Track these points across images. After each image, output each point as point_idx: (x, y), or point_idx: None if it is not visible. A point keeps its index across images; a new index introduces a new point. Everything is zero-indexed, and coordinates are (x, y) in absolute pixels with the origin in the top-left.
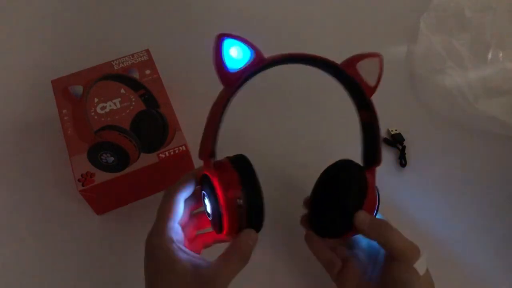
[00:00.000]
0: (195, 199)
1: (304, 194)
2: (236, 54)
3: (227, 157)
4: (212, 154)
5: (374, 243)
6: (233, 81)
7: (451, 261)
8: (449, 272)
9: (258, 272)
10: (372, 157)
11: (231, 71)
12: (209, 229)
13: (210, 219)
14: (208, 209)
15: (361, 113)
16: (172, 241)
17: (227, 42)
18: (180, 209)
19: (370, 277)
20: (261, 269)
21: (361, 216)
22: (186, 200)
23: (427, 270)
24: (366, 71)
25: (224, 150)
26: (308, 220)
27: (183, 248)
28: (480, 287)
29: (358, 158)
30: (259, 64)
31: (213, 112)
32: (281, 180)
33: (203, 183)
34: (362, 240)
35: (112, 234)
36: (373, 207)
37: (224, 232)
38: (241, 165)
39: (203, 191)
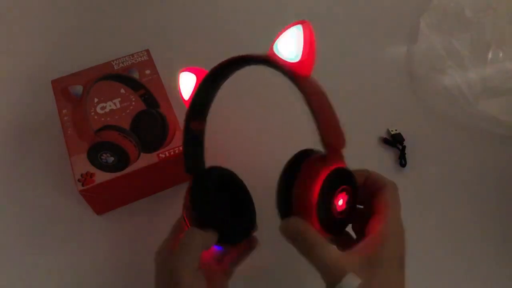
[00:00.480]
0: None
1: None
2: (187, 83)
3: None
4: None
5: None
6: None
7: (451, 261)
8: (449, 272)
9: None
10: (324, 139)
11: (186, 99)
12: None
13: None
14: None
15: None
16: (195, 270)
17: (181, 75)
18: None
19: None
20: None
21: (282, 226)
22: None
23: None
24: (288, 48)
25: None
26: None
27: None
28: (480, 287)
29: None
30: (199, 83)
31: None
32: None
33: None
34: None
35: (112, 234)
36: (307, 208)
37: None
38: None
39: None
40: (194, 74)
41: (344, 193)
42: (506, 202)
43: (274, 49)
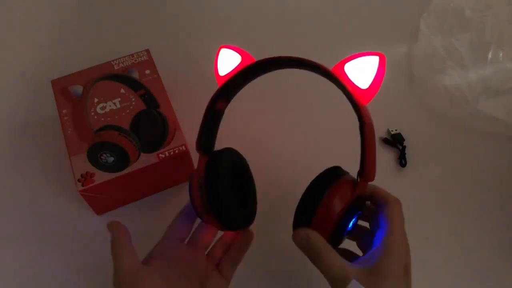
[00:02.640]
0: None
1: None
2: (227, 61)
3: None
4: (202, 146)
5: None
6: (221, 83)
7: (451, 261)
8: (448, 272)
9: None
10: (362, 169)
11: (222, 75)
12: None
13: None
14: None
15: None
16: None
17: (222, 50)
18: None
19: None
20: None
21: (293, 235)
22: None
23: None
24: (358, 73)
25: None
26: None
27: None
28: (479, 286)
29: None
30: (243, 67)
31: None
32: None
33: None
34: None
35: None
36: (324, 223)
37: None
38: (218, 156)
39: None
40: (239, 54)
41: (356, 217)
42: (506, 202)
43: (345, 68)
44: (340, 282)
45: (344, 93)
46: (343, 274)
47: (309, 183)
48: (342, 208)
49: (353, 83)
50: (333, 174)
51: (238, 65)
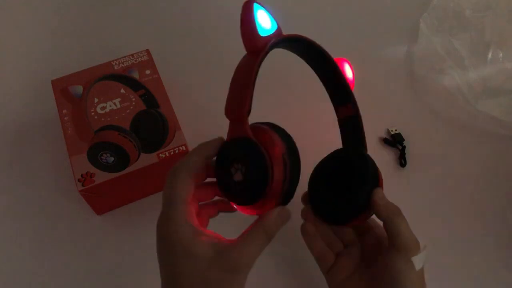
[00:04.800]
0: (202, 172)
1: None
2: (264, 21)
3: (254, 123)
4: (249, 112)
5: (371, 242)
6: (261, 48)
7: (451, 261)
8: (448, 272)
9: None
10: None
11: (262, 35)
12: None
13: (229, 191)
14: (237, 177)
15: (342, 109)
16: (188, 224)
17: (256, 7)
18: (190, 188)
19: (360, 276)
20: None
21: (380, 193)
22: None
23: (422, 269)
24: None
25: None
26: (311, 202)
27: (200, 230)
28: (480, 287)
29: None
30: (280, 36)
31: (244, 74)
32: None
33: (231, 148)
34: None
35: (112, 234)
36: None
37: (268, 195)
38: (275, 127)
39: (231, 158)
40: (276, 21)
41: None
42: (506, 202)
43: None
44: (418, 243)
45: (334, 86)
46: (416, 239)
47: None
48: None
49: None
50: (359, 150)
51: (277, 31)
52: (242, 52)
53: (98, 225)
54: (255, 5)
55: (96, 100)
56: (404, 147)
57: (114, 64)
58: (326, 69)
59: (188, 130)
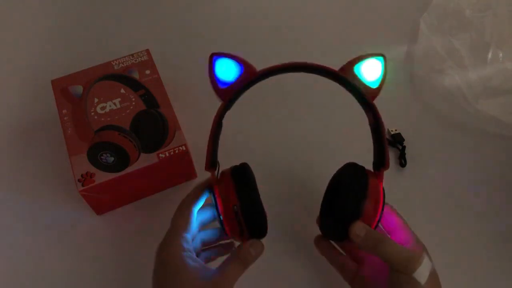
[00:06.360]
0: (209, 212)
1: (311, 198)
2: (225, 71)
3: (231, 167)
4: (213, 164)
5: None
6: (225, 96)
7: (451, 261)
8: (448, 272)
9: (267, 278)
10: (378, 160)
11: (222, 86)
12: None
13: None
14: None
15: (368, 116)
16: (183, 249)
17: (218, 60)
18: (193, 221)
19: (381, 283)
20: (270, 274)
21: (354, 230)
22: (198, 213)
23: (432, 273)
24: (367, 73)
25: (232, 156)
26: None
27: (193, 257)
28: (480, 287)
29: (364, 159)
30: (248, 79)
31: (212, 126)
32: (288, 183)
33: (210, 194)
34: None
35: (112, 234)
36: (373, 216)
37: (229, 236)
38: (239, 175)
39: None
40: (238, 62)
41: None
42: (506, 202)
43: (355, 71)
44: (412, 259)
45: (353, 93)
46: (411, 253)
47: (328, 180)
48: (382, 199)
49: (364, 83)
50: (355, 169)
51: (242, 75)
52: (242, 52)
53: (98, 225)
54: (214, 58)
55: (96, 100)
56: (404, 147)
57: (114, 64)
58: (332, 78)
59: (188, 130)
